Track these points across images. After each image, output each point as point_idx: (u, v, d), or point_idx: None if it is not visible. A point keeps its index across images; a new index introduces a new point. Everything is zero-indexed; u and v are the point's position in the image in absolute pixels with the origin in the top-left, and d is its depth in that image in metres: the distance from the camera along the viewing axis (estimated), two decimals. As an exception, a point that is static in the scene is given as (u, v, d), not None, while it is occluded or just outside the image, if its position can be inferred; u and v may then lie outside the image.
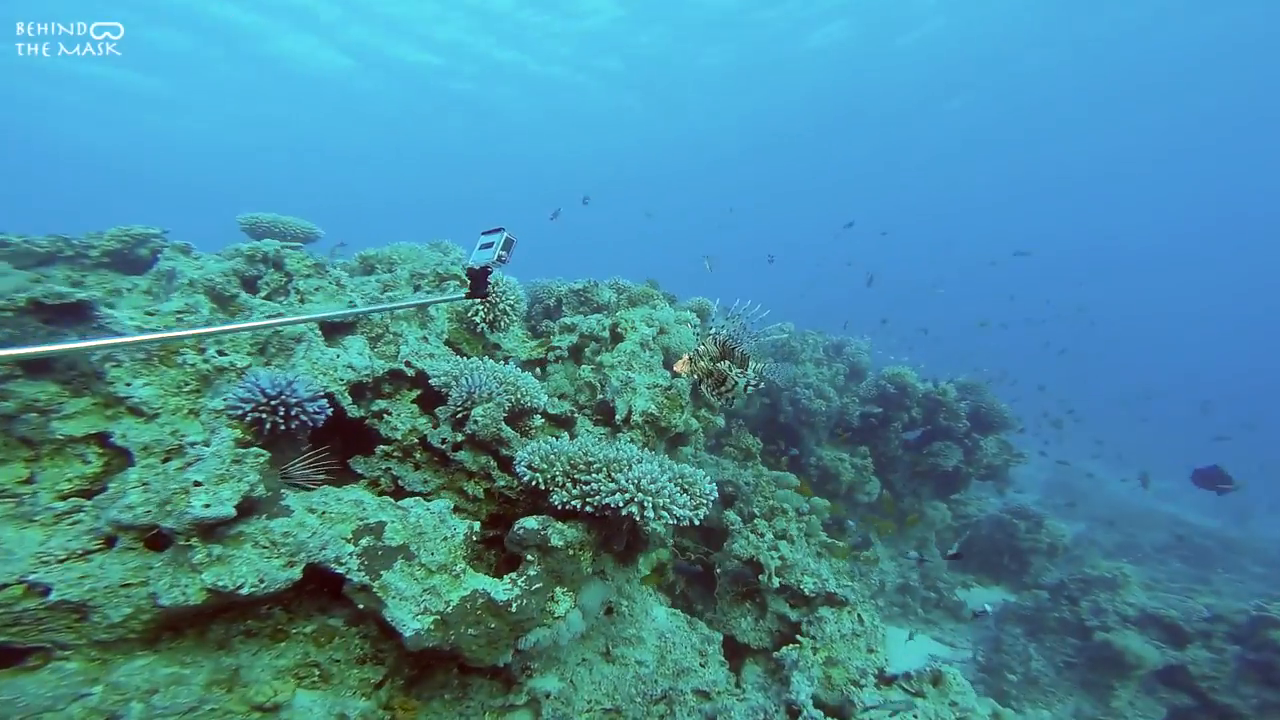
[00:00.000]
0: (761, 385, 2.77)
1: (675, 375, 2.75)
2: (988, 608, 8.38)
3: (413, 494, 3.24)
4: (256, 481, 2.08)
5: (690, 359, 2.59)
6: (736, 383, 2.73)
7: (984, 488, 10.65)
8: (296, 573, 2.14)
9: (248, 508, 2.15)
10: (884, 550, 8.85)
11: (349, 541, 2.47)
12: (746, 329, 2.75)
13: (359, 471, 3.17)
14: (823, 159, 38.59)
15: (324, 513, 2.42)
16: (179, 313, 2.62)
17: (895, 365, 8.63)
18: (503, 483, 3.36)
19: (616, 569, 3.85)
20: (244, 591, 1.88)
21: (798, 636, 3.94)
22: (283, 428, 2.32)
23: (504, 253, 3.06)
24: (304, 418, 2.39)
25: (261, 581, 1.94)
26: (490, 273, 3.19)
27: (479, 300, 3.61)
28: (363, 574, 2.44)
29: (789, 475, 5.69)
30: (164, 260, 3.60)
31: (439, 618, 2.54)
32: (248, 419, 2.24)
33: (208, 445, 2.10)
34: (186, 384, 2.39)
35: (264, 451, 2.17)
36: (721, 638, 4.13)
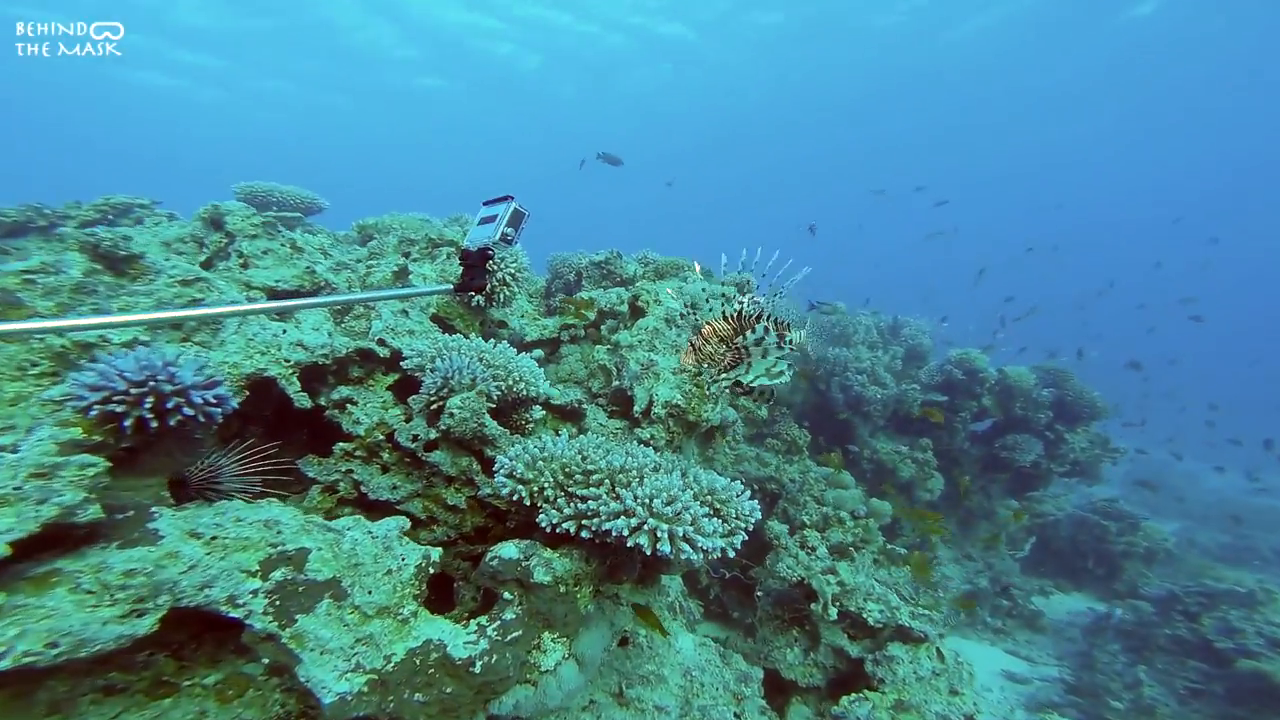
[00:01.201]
0: (792, 368, 1.90)
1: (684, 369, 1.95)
2: None
3: (378, 503, 2.53)
4: (77, 502, 1.39)
5: (694, 347, 1.85)
6: (756, 359, 1.89)
7: (1059, 484, 9.15)
8: (146, 624, 1.44)
9: (85, 536, 1.47)
10: (947, 553, 7.66)
11: (254, 575, 1.76)
12: (763, 286, 1.99)
13: (311, 475, 2.47)
14: (898, 121, 33.57)
15: (216, 538, 1.71)
16: (27, 272, 1.99)
17: (964, 348, 7.34)
18: (488, 490, 2.60)
19: (634, 590, 3.04)
20: (3, 665, 1.19)
21: (866, 691, 3.00)
22: (155, 425, 1.63)
23: (510, 229, 2.27)
24: (189, 410, 1.68)
25: (52, 646, 1.24)
26: (490, 256, 2.42)
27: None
28: (269, 619, 1.72)
29: (844, 474, 4.68)
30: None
31: (375, 678, 1.80)
32: (93, 413, 1.56)
33: (15, 451, 1.44)
34: (34, 364, 1.76)
35: (96, 460, 1.48)
36: (762, 674, 3.26)
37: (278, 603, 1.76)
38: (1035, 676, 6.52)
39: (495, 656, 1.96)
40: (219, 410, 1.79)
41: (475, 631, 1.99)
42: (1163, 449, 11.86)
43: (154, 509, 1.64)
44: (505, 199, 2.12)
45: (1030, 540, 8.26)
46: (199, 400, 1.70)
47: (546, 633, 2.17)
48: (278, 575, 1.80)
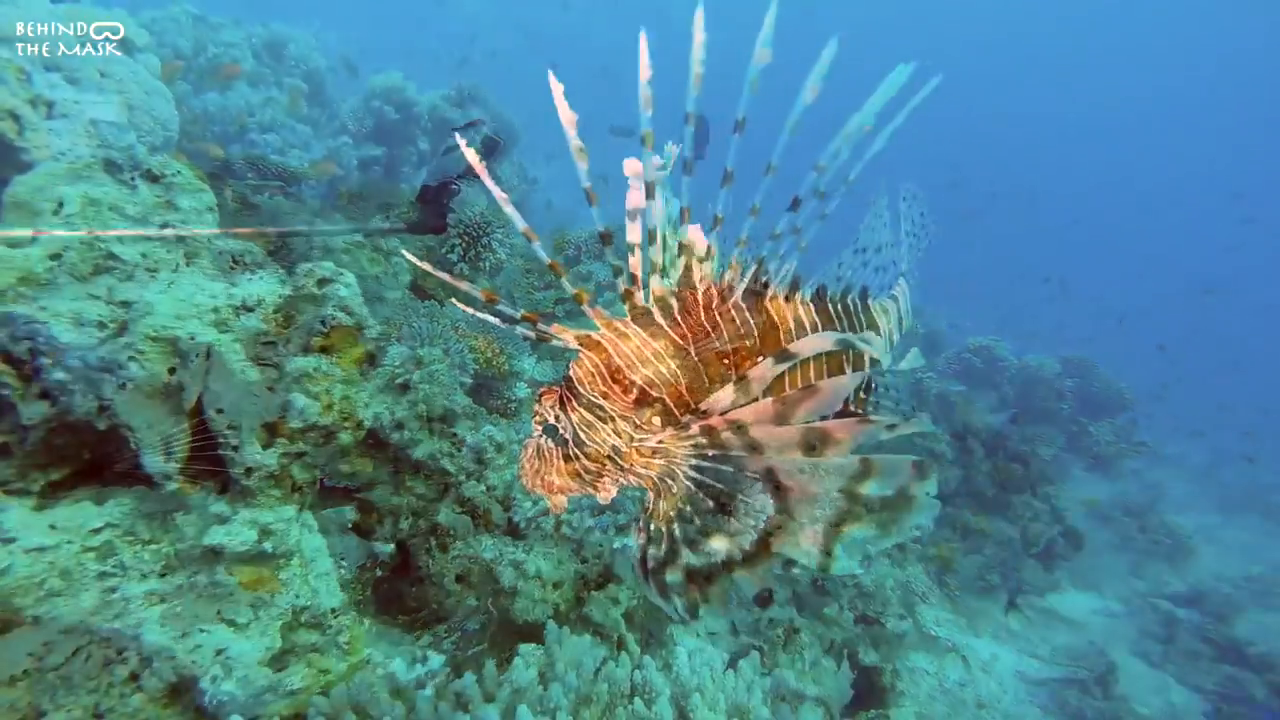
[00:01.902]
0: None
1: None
2: None
3: (336, 490, 2.18)
4: None
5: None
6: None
7: (1078, 477, 8.65)
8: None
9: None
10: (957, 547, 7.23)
11: (151, 576, 1.41)
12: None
13: (258, 459, 2.11)
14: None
15: (62, 528, 1.35)
16: None
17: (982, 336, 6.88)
18: (461, 477, 2.23)
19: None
20: None
21: (886, 710, 2.62)
22: (8, 393, 1.27)
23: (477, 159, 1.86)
24: (61, 376, 1.32)
25: None
26: (454, 192, 2.03)
27: (439, 234, 2.45)
28: (167, 631, 1.37)
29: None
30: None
31: (302, 699, 1.45)
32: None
33: None
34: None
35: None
36: (769, 683, 2.89)
37: (178, 610, 1.41)
38: (1051, 677, 6.12)
39: (452, 672, 1.60)
40: (112, 378, 1.43)
41: (429, 643, 1.63)
42: (1194, 442, 11.32)
43: (2, 504, 1.29)
44: (473, 124, 1.73)
45: (1046, 535, 7.80)
46: (77, 364, 1.34)
47: (519, 643, 1.80)
48: (179, 579, 1.44)
